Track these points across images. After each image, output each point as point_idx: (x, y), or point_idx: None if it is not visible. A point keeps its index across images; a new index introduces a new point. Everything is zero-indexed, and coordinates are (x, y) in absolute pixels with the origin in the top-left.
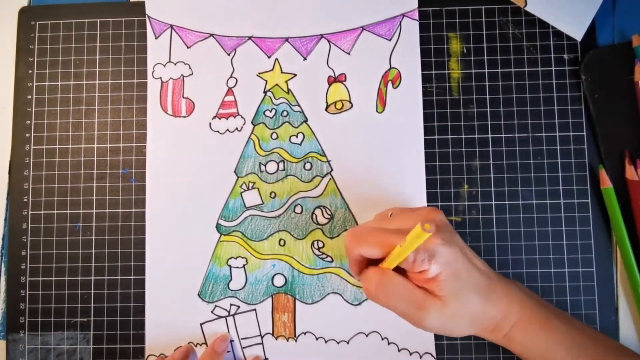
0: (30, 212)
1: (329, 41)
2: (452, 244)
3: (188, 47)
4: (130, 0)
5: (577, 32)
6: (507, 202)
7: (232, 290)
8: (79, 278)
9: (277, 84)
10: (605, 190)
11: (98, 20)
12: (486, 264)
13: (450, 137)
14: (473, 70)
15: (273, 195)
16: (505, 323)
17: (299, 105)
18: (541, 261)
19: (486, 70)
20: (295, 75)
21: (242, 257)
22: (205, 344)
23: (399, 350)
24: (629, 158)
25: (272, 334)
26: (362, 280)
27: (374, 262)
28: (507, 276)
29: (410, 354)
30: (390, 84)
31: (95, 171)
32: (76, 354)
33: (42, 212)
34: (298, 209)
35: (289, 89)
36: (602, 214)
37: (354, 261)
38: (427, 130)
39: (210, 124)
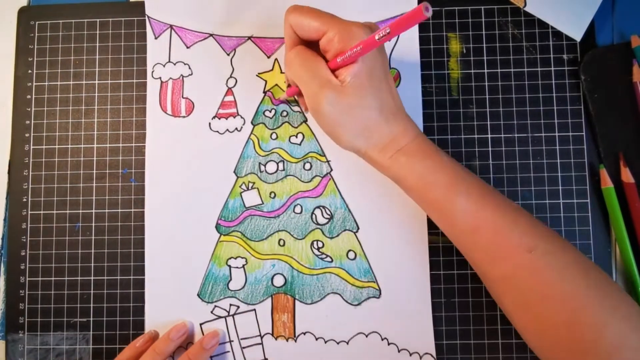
0: (29, 212)
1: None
2: (381, 52)
3: (188, 47)
4: (129, 0)
5: (576, 33)
6: None
7: (231, 291)
8: (79, 278)
9: (276, 84)
10: (605, 190)
11: (97, 20)
12: (400, 99)
13: (449, 137)
14: (472, 71)
15: (273, 195)
16: (395, 144)
17: (298, 105)
18: None
19: (485, 71)
20: None
21: (242, 257)
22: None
23: (398, 351)
24: (623, 160)
25: (272, 334)
26: (288, 54)
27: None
28: None
29: (410, 355)
30: None
31: (94, 171)
32: (75, 354)
33: (42, 212)
34: (298, 209)
35: None
36: (601, 214)
37: (287, 39)
38: (427, 130)
39: (209, 124)
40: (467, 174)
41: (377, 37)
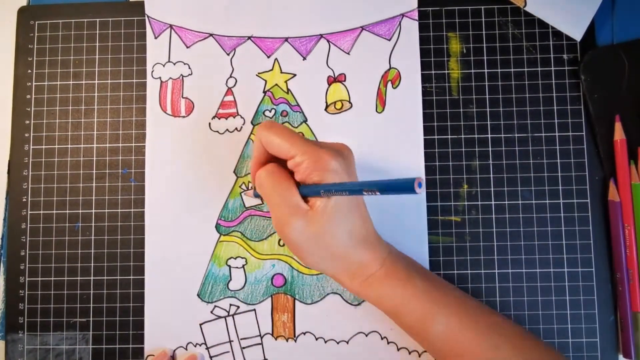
0: (29, 212)
1: (328, 41)
2: (351, 177)
3: (187, 47)
4: (129, 0)
5: (576, 32)
6: (506, 202)
7: (231, 291)
8: (78, 278)
9: (276, 84)
10: (635, 186)
11: (97, 19)
12: (370, 218)
13: (449, 137)
14: (473, 70)
15: None
16: (365, 271)
17: (298, 105)
18: (540, 261)
19: (486, 70)
20: (294, 75)
21: (242, 257)
22: (205, 344)
23: (398, 349)
24: (613, 180)
25: (272, 334)
26: (258, 172)
27: None
28: (506, 276)
29: (410, 353)
30: (390, 84)
31: (94, 171)
32: (75, 354)
33: (41, 212)
34: None
35: (288, 89)
36: (601, 214)
37: (257, 154)
38: (427, 130)
39: (209, 124)
40: (444, 295)
41: (364, 194)
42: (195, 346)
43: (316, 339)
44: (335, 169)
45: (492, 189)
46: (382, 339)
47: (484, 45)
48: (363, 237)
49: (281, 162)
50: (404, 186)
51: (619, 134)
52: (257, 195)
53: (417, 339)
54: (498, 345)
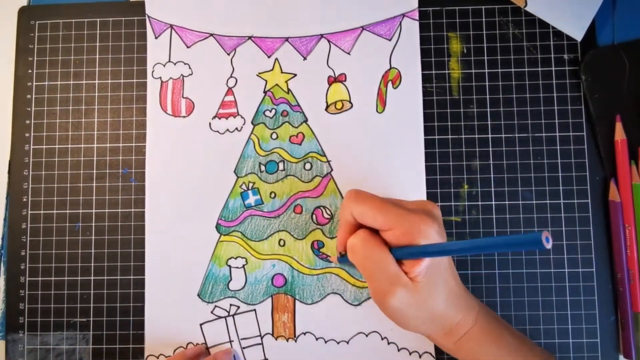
0: (29, 212)
1: (329, 41)
2: (442, 235)
3: (188, 47)
4: (130, 0)
5: (577, 32)
6: (507, 202)
7: (231, 291)
8: (79, 278)
9: (277, 84)
10: (635, 186)
11: (98, 19)
12: (458, 276)
13: (450, 137)
14: (473, 70)
15: (273, 195)
16: (460, 329)
17: (299, 105)
18: (541, 261)
19: (486, 70)
20: (295, 75)
21: (242, 257)
22: (205, 344)
23: (398, 350)
24: (614, 180)
25: (272, 334)
26: (350, 238)
27: None
28: (507, 276)
29: (410, 354)
30: (390, 84)
31: (94, 171)
32: (75, 354)
33: (42, 212)
34: (298, 209)
35: (289, 89)
36: (602, 214)
37: (345, 222)
38: (427, 130)
39: (210, 123)
40: (530, 352)
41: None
42: (195, 346)
43: (316, 339)
44: (429, 236)
45: (492, 189)
46: (382, 339)
47: (485, 45)
48: (459, 295)
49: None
50: (529, 242)
51: (619, 134)
52: (342, 262)
53: None
54: None
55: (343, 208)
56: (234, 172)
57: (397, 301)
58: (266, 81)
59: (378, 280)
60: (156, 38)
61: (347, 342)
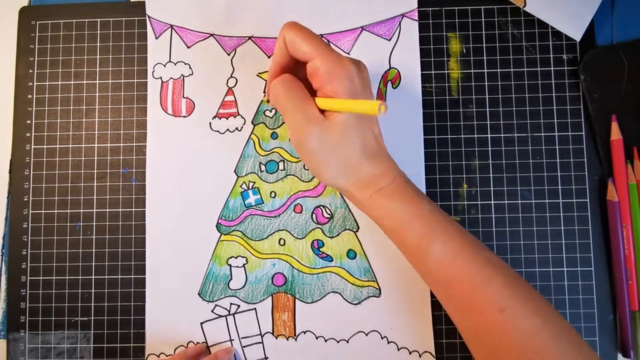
0: (30, 211)
1: (328, 41)
2: (368, 94)
3: (188, 47)
4: (130, 0)
5: (576, 32)
6: (506, 202)
7: (232, 290)
8: (80, 277)
9: None
10: (631, 186)
11: (98, 20)
12: (383, 141)
13: (449, 136)
14: (472, 70)
15: (273, 194)
16: (375, 184)
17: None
18: (540, 260)
19: (485, 70)
20: None
21: (242, 257)
22: (206, 343)
23: (398, 349)
24: (612, 180)
25: (272, 333)
26: (273, 81)
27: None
28: None
29: (410, 353)
30: (389, 84)
31: (95, 171)
32: (77, 353)
33: (43, 211)
34: (298, 209)
35: None
36: (600, 214)
37: (274, 64)
38: (427, 130)
39: (210, 123)
40: (446, 221)
41: (379, 111)
42: (196, 345)
43: (316, 338)
44: (352, 76)
45: (491, 188)
46: (382, 338)
47: (484, 45)
48: (376, 152)
49: (297, 76)
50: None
51: (615, 134)
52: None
53: (413, 263)
54: (491, 279)
55: (278, 40)
56: (234, 171)
57: (311, 140)
58: (266, 81)
59: (296, 119)
60: (156, 38)
61: (347, 341)
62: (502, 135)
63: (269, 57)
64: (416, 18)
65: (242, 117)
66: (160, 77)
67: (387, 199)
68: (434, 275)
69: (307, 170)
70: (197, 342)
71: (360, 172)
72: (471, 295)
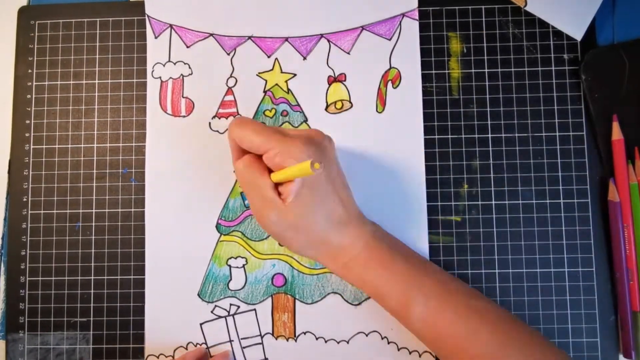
0: (29, 211)
1: (328, 41)
2: (329, 160)
3: (188, 47)
4: (129, 0)
5: (577, 32)
6: (507, 202)
7: (231, 290)
8: (79, 278)
9: (277, 84)
10: (632, 186)
11: (97, 19)
12: (353, 200)
13: (450, 136)
14: (473, 70)
15: None
16: (345, 254)
17: (298, 105)
18: (541, 261)
19: (486, 70)
20: (295, 75)
21: (242, 257)
22: (205, 344)
23: (398, 349)
24: (613, 180)
25: (272, 334)
26: (235, 164)
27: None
28: (507, 276)
29: (410, 353)
30: (390, 84)
31: (94, 171)
32: (76, 354)
33: (42, 211)
34: None
35: (288, 89)
36: (602, 214)
37: (232, 149)
38: (427, 130)
39: (210, 123)
40: (424, 277)
41: (312, 170)
42: (195, 346)
43: (316, 339)
44: (304, 155)
45: (492, 188)
46: (382, 338)
47: (485, 44)
48: (343, 221)
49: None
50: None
51: (616, 133)
52: None
53: (401, 321)
54: (477, 329)
55: (229, 132)
56: (234, 171)
57: (270, 223)
58: (266, 81)
59: (255, 202)
60: (156, 38)
61: (347, 342)
62: (503, 135)
63: (268, 56)
64: (416, 17)
65: None
66: (160, 77)
67: (362, 268)
68: (421, 333)
69: None
70: (197, 343)
71: (328, 244)
72: (460, 349)
